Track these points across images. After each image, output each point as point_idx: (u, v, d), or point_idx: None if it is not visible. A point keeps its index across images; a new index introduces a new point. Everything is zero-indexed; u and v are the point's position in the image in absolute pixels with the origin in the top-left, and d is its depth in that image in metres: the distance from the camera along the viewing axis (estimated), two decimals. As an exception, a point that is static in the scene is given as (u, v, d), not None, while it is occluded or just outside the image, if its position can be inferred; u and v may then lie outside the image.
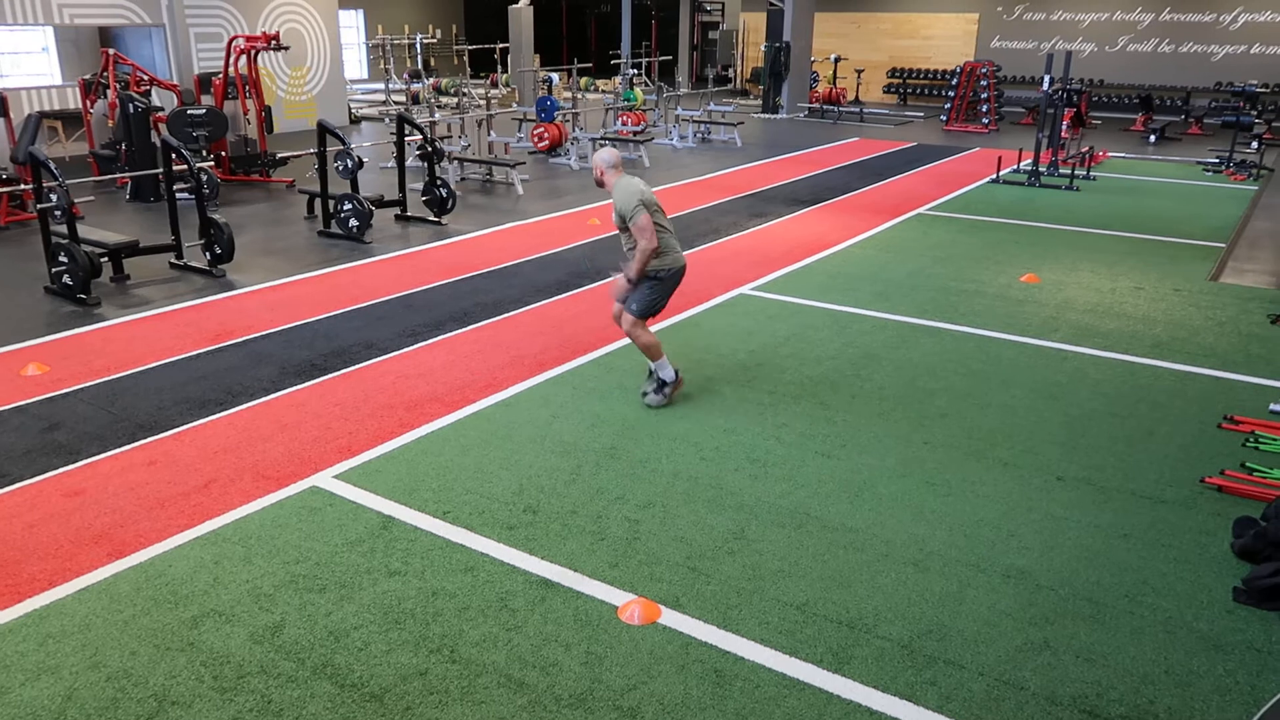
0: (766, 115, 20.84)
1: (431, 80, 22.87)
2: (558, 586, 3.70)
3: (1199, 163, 14.51)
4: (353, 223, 9.25)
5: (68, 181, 7.48)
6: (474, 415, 5.25)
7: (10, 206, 9.82)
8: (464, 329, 6.71)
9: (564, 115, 14.83)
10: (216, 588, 3.67)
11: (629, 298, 5.14)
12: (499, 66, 21.59)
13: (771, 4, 20.34)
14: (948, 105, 19.13)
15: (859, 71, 22.32)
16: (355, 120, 18.75)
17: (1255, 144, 14.00)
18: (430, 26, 28.60)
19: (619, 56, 19.36)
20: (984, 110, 18.88)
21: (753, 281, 7.90)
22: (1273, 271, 8.54)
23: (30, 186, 7.56)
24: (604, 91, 22.71)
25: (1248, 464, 4.70)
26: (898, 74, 23.61)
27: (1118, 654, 3.35)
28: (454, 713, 3.04)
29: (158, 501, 4.30)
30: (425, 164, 10.39)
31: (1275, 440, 4.94)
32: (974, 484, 4.53)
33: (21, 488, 4.43)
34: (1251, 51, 19.45)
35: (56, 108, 14.24)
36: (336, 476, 4.54)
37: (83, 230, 7.68)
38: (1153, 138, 16.99)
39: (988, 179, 12.86)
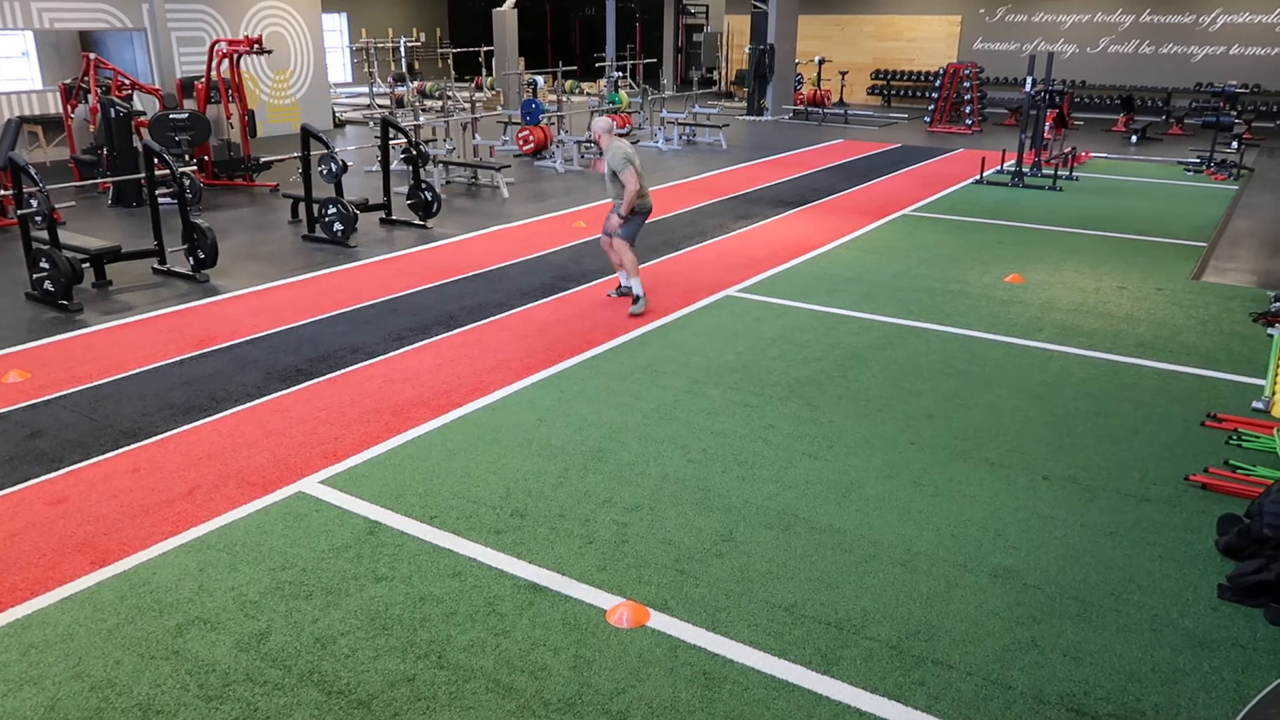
0: (751, 117, 20.89)
1: (416, 84, 22.79)
2: (546, 590, 3.69)
3: (1180, 163, 14.63)
4: (337, 227, 9.21)
5: (49, 187, 7.42)
6: (460, 419, 5.23)
7: (-10, 212, 9.73)
8: (450, 333, 6.69)
9: (549, 118, 14.83)
10: (201, 595, 3.64)
11: (620, 230, 6.96)
12: (483, 70, 21.55)
13: (755, 6, 20.39)
14: (931, 107, 19.23)
15: (843, 73, 22.43)
16: (339, 124, 18.68)
17: (1235, 144, 14.13)
18: (414, 30, 28.56)
19: (604, 59, 19.37)
20: (967, 112, 18.99)
21: (739, 283, 7.91)
22: (1254, 270, 8.62)
23: (10, 192, 7.49)
24: (589, 94, 22.72)
25: (1231, 461, 4.73)
26: (881, 76, 23.70)
27: (1104, 652, 3.36)
28: (442, 718, 3.02)
29: (141, 509, 4.27)
30: (410, 167, 10.36)
31: (1258, 437, 4.98)
32: (961, 484, 4.55)
33: (3, 496, 4.38)
34: (1231, 52, 19.63)
35: (37, 112, 14.15)
36: (322, 482, 4.52)
37: (64, 236, 7.62)
38: (1134, 138, 17.12)
39: (971, 180, 12.92)
